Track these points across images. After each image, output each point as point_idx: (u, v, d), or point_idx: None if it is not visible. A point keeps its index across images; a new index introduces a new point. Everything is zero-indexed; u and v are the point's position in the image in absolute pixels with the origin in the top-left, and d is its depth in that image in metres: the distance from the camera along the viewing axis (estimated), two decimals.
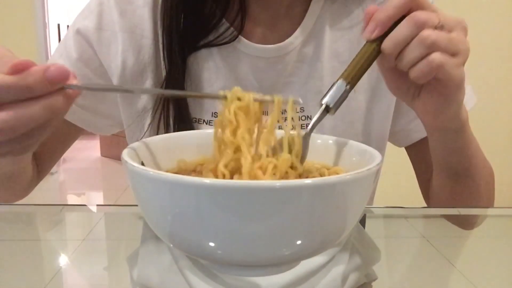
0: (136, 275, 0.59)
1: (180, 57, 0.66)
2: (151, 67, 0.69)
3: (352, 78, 0.47)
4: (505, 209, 0.65)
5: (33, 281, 0.50)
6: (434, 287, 0.58)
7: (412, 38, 0.46)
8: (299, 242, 0.34)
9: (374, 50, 0.48)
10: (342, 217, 0.36)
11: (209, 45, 0.66)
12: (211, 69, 0.68)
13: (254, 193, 0.31)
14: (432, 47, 0.46)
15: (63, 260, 0.57)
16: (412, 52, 0.47)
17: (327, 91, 0.47)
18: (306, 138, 0.45)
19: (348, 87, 0.47)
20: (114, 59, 0.69)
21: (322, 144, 0.48)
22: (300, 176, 0.43)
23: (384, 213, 0.65)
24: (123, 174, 0.37)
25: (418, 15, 0.46)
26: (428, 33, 0.46)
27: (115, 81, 0.69)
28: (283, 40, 0.66)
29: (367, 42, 0.48)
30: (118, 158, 0.40)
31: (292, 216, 0.33)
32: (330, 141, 0.48)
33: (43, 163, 0.72)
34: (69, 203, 3.37)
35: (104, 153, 4.54)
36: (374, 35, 0.48)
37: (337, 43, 0.68)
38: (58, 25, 5.10)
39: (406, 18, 0.46)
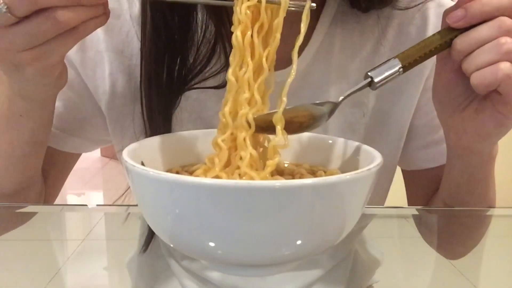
0: (134, 279, 0.59)
1: (162, 115, 0.58)
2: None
3: (409, 63, 0.44)
4: (505, 209, 0.65)
5: (33, 281, 0.50)
6: (434, 287, 0.58)
7: (489, 42, 0.43)
8: (299, 242, 0.34)
9: (443, 42, 0.45)
10: (342, 217, 0.36)
11: (199, 87, 0.58)
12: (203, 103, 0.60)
13: (254, 193, 0.31)
14: (505, 56, 0.43)
15: (63, 260, 0.57)
16: (482, 55, 0.43)
17: (378, 65, 0.44)
18: (336, 105, 0.42)
19: (401, 70, 0.44)
20: (102, 83, 0.61)
21: (322, 144, 0.48)
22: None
23: (384, 213, 0.64)
24: (123, 174, 0.37)
25: (506, 21, 0.43)
26: (507, 40, 0.43)
27: (103, 107, 0.62)
28: (288, 65, 0.61)
29: (440, 31, 0.46)
30: (117, 158, 0.40)
31: (292, 216, 0.33)
32: (330, 141, 0.48)
33: (47, 194, 0.67)
34: (69, 203, 3.37)
35: (104, 153, 4.54)
36: (459, 23, 0.44)
37: (346, 62, 0.62)
38: None
39: (493, 20, 0.43)
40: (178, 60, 0.57)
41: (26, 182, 0.59)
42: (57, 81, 0.48)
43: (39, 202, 0.66)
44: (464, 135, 0.50)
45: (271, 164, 0.40)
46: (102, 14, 0.43)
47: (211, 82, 0.57)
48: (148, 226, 0.60)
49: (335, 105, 0.42)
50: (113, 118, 0.63)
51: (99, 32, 0.60)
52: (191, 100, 0.60)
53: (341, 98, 0.43)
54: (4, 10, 0.38)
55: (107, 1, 0.44)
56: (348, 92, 0.43)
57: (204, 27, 0.57)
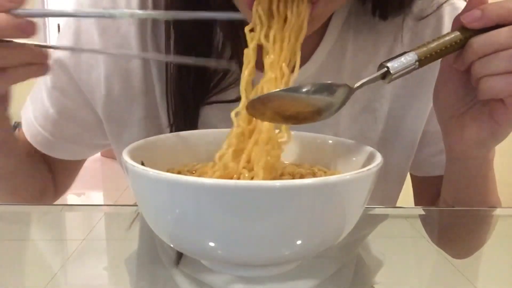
0: (133, 280, 0.59)
1: (191, 116, 0.57)
2: (141, 92, 0.60)
3: (426, 57, 0.43)
4: (505, 209, 0.65)
5: (33, 281, 0.50)
6: (434, 287, 0.58)
7: (508, 49, 0.42)
8: (299, 242, 0.34)
9: (458, 40, 0.44)
10: (342, 217, 0.36)
11: (220, 101, 0.58)
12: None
13: (254, 193, 0.31)
14: None
15: (63, 260, 0.57)
16: (499, 61, 0.42)
17: (394, 56, 0.43)
18: (350, 93, 0.41)
19: (417, 63, 0.42)
20: (97, 87, 0.60)
21: (322, 144, 0.48)
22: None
23: (385, 213, 0.64)
24: (123, 174, 0.37)
25: None
26: None
27: (100, 111, 0.61)
28: (302, 66, 0.58)
29: (454, 30, 0.45)
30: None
31: (292, 216, 0.33)
32: (330, 141, 0.48)
33: (58, 181, 0.68)
34: (69, 203, 3.37)
35: (104, 153, 4.53)
36: (473, 24, 0.43)
37: (359, 67, 0.60)
38: (58, 25, 5.10)
39: None
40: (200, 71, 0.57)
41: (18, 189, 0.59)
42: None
43: (39, 201, 0.66)
44: (460, 140, 0.50)
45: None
46: (40, 64, 0.43)
47: (224, 97, 0.57)
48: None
49: (349, 92, 0.40)
50: (110, 122, 0.62)
51: (94, 34, 0.58)
52: (201, 117, 0.59)
53: (356, 85, 0.41)
54: None
55: (46, 54, 0.43)
56: (364, 81, 0.42)
57: (223, 36, 0.57)
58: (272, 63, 0.41)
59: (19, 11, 0.40)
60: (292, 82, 0.41)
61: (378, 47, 0.61)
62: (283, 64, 0.41)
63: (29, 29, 0.41)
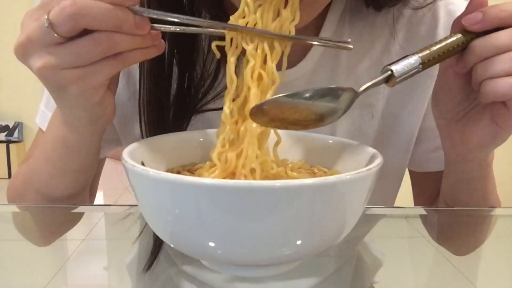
0: (133, 279, 0.59)
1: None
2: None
3: (429, 60, 0.43)
4: (505, 209, 0.65)
5: (33, 281, 0.50)
6: (434, 287, 0.58)
7: (510, 51, 0.42)
8: (299, 242, 0.34)
9: (460, 43, 0.44)
10: (342, 217, 0.36)
11: (210, 109, 0.58)
12: None
13: (254, 193, 0.31)
14: None
15: (63, 260, 0.57)
16: (501, 63, 0.42)
17: (398, 59, 0.43)
18: (355, 97, 0.41)
19: (420, 66, 0.42)
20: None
21: (322, 144, 0.48)
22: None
23: (384, 213, 0.64)
24: (123, 174, 0.37)
25: None
26: None
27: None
28: (295, 65, 0.59)
29: (456, 32, 0.44)
30: (118, 158, 0.40)
31: (292, 216, 0.33)
32: (330, 141, 0.48)
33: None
34: None
35: None
36: (475, 27, 0.43)
37: (355, 62, 0.61)
38: None
39: None
40: (187, 77, 0.56)
41: (78, 189, 0.59)
42: (99, 109, 0.47)
43: (43, 202, 0.65)
44: (459, 143, 0.50)
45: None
46: (152, 46, 0.44)
47: (219, 103, 0.57)
48: (153, 243, 0.60)
49: (354, 96, 0.40)
50: (116, 118, 0.62)
51: None
52: (201, 121, 0.59)
53: (361, 89, 0.41)
54: (46, 24, 0.39)
55: (157, 34, 0.44)
56: (368, 84, 0.42)
57: (209, 40, 0.57)
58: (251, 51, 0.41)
59: (137, 8, 0.41)
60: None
61: (373, 42, 0.61)
62: (265, 44, 0.41)
63: (145, 27, 0.42)
